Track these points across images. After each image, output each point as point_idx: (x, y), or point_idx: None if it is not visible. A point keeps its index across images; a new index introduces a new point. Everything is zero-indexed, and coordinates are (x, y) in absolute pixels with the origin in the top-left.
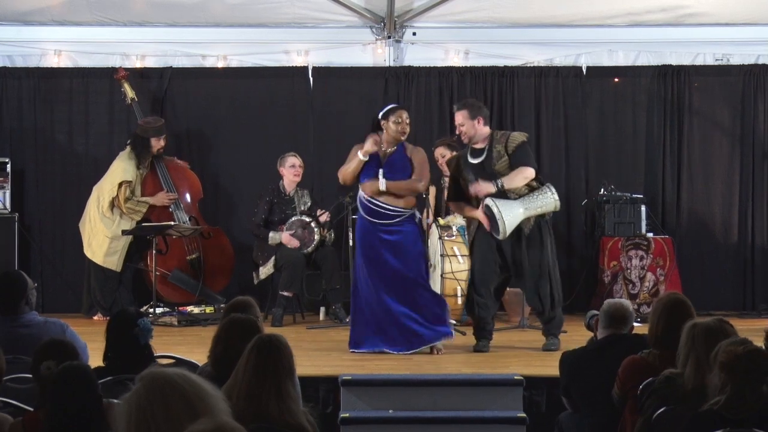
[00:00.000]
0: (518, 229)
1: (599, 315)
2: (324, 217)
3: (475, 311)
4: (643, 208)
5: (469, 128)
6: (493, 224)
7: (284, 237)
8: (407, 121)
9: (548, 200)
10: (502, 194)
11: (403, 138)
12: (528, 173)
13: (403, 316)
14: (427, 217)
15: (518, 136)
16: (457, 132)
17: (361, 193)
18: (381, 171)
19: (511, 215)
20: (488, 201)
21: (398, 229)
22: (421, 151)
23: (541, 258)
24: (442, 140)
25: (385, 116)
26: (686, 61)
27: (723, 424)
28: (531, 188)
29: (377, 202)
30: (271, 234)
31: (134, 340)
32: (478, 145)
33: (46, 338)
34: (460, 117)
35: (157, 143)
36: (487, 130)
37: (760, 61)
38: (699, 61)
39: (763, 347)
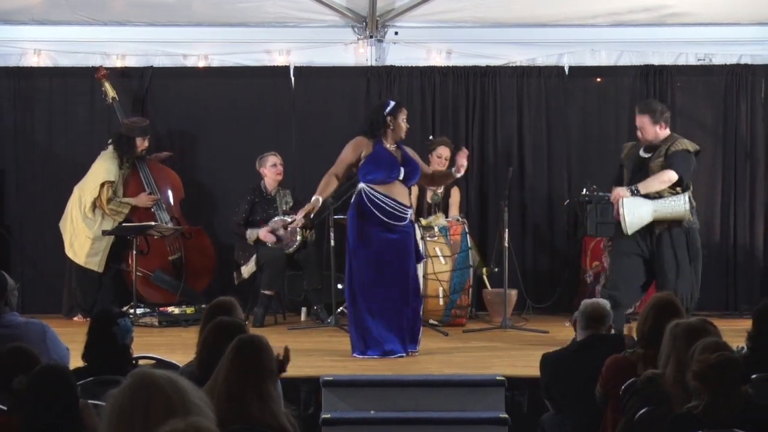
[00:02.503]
0: (651, 229)
1: (577, 316)
2: (297, 222)
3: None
4: None
5: (649, 133)
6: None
7: (261, 233)
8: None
9: (678, 207)
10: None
11: (402, 137)
12: (667, 176)
13: (405, 317)
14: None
15: (684, 143)
16: (638, 134)
17: (372, 191)
18: (398, 170)
19: (635, 213)
20: (623, 198)
21: (403, 228)
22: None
23: (672, 260)
24: (442, 139)
25: (393, 113)
26: (669, 60)
27: (702, 426)
28: (673, 193)
29: (394, 202)
30: (248, 231)
31: (112, 338)
32: (655, 143)
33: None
34: (641, 121)
35: (142, 143)
36: (667, 132)
37: (743, 61)
38: (681, 61)
39: (745, 348)
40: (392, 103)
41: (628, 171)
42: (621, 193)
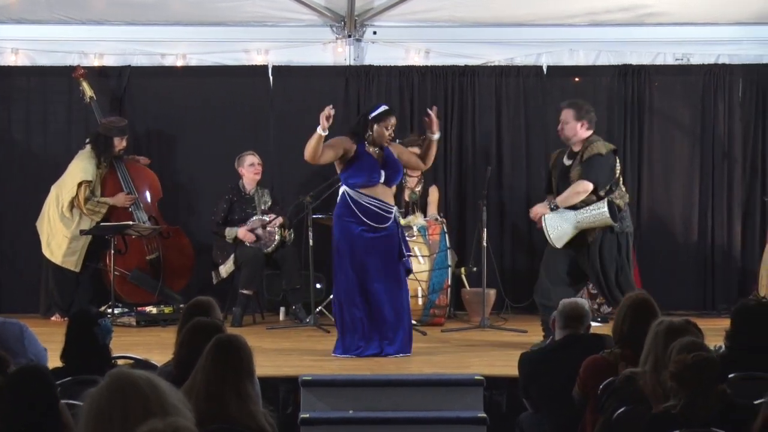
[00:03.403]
0: (583, 237)
1: (556, 315)
2: (275, 222)
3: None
4: None
5: (571, 129)
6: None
7: (240, 232)
8: (393, 128)
9: (599, 215)
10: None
11: (385, 145)
12: (581, 187)
13: (392, 318)
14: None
15: (597, 147)
16: (558, 128)
17: (355, 193)
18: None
19: (559, 228)
20: (544, 216)
21: (386, 230)
22: (397, 145)
23: (603, 265)
24: (413, 139)
25: (377, 119)
26: (646, 60)
27: (680, 425)
28: (591, 202)
29: (379, 202)
30: (227, 229)
31: (93, 339)
32: (575, 148)
33: None
34: (566, 114)
35: (120, 143)
36: (588, 133)
37: (720, 61)
38: (659, 61)
39: (723, 347)
40: (381, 109)
41: (555, 179)
42: (539, 210)
